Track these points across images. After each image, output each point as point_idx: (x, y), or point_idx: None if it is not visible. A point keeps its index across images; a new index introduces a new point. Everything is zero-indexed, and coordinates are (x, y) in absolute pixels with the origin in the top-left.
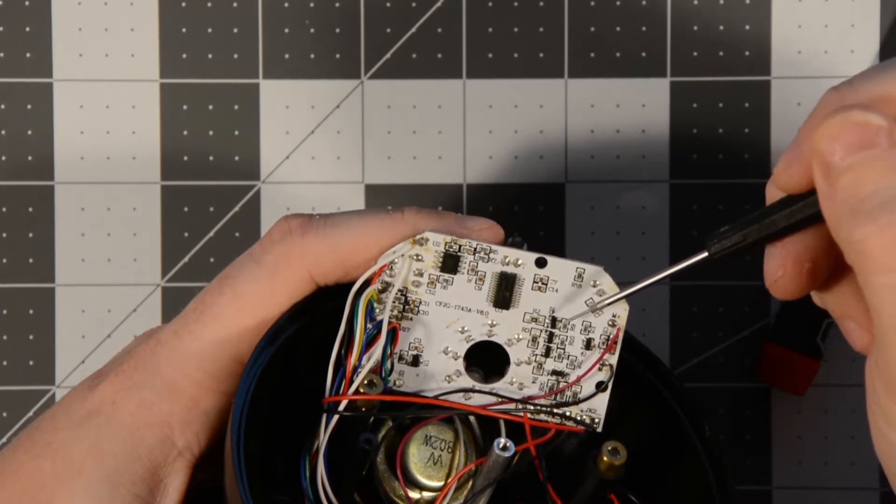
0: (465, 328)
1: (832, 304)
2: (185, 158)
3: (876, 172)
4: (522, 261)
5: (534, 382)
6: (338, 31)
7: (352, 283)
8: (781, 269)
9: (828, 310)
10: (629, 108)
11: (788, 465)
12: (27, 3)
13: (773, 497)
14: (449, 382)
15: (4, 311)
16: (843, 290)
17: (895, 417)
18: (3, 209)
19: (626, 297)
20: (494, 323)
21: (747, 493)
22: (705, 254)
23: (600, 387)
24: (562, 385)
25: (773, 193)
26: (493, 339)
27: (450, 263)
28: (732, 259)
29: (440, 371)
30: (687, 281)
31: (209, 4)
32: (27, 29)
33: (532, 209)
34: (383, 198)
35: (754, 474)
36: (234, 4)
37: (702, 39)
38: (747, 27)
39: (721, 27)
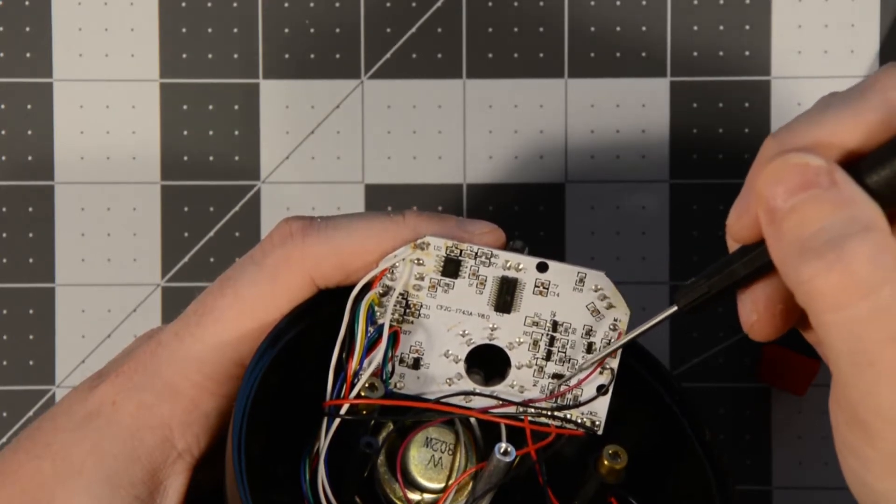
0: (466, 332)
1: (807, 334)
2: (185, 158)
3: (819, 211)
4: (523, 265)
5: (535, 385)
6: (338, 31)
7: (352, 286)
8: (755, 313)
9: (805, 338)
10: (629, 108)
11: (788, 465)
12: (27, 3)
13: (773, 497)
14: (450, 385)
15: (4, 311)
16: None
17: (860, 451)
18: (3, 209)
19: (606, 355)
20: (495, 326)
21: (747, 493)
22: (675, 308)
23: (601, 390)
24: (563, 388)
25: (729, 244)
26: (494, 342)
27: (451, 268)
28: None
29: (441, 374)
30: (687, 281)
31: (209, 4)
32: (27, 29)
33: (532, 209)
34: (383, 198)
35: (754, 474)
36: (234, 4)
37: (702, 39)
38: (747, 27)
39: (721, 27)
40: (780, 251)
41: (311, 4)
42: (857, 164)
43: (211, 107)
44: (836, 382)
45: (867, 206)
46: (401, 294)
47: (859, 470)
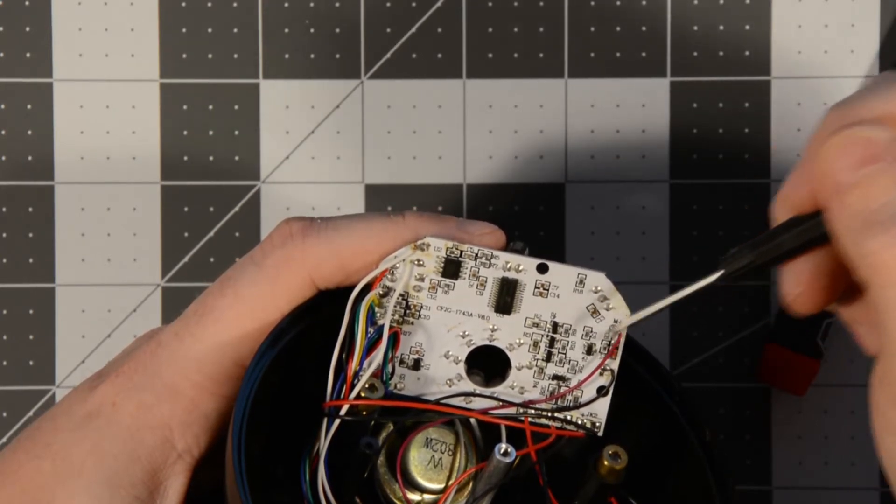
0: (466, 333)
1: (845, 311)
2: (185, 158)
3: (884, 186)
4: (524, 266)
5: (535, 387)
6: (338, 31)
7: (352, 287)
8: (800, 286)
9: (840, 315)
10: (629, 108)
11: (788, 465)
12: (27, 3)
13: (773, 497)
14: (450, 386)
15: (4, 311)
16: (855, 299)
17: None
18: (3, 209)
19: (642, 320)
20: (496, 328)
21: (747, 493)
22: (719, 273)
23: (601, 391)
24: (563, 389)
25: (779, 215)
26: (495, 343)
27: (451, 269)
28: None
29: (441, 375)
30: (687, 281)
31: (209, 4)
32: (27, 29)
33: (532, 209)
34: (383, 198)
35: (754, 474)
36: (234, 4)
37: (702, 39)
38: (747, 27)
39: (721, 27)
40: (843, 224)
41: (311, 4)
42: None
43: (211, 107)
44: (886, 360)
45: None
46: (401, 295)
47: None
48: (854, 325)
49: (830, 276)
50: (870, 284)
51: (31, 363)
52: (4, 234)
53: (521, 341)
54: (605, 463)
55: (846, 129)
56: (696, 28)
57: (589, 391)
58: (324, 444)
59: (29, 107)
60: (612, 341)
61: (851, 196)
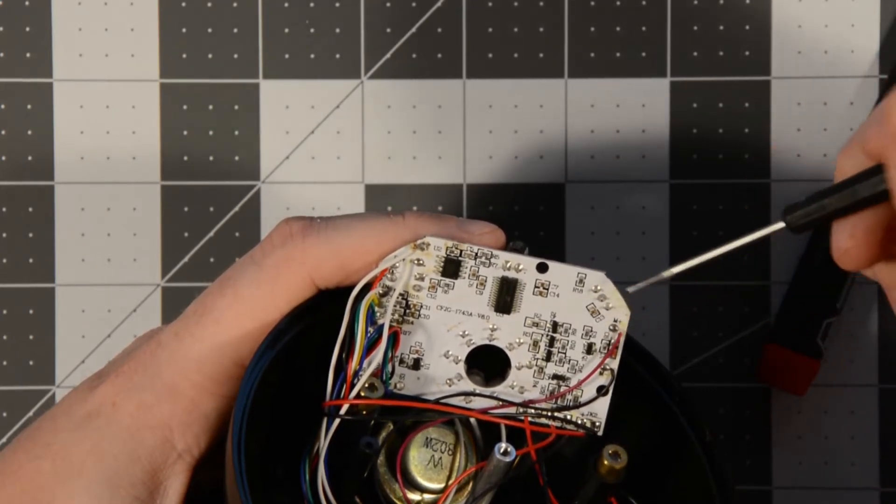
0: (466, 332)
1: (886, 274)
2: (185, 158)
3: None
4: (524, 266)
5: (535, 386)
6: (338, 31)
7: (352, 287)
8: (852, 239)
9: (877, 279)
10: (629, 108)
11: (788, 465)
12: (27, 3)
13: (773, 497)
14: (450, 386)
15: (4, 311)
16: None
17: None
18: (3, 209)
19: (698, 264)
20: (495, 327)
21: (747, 493)
22: (782, 224)
23: (601, 391)
24: (563, 389)
25: (845, 163)
26: (494, 343)
27: (451, 268)
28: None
29: (441, 375)
30: (687, 281)
31: (209, 4)
32: (27, 29)
33: (532, 209)
34: (383, 198)
35: (754, 474)
36: (234, 4)
37: (702, 39)
38: (747, 27)
39: (721, 27)
40: None
41: (311, 4)
42: None
43: (211, 107)
44: None
45: None
46: (401, 294)
47: None
48: (893, 291)
49: (885, 230)
50: None
51: (31, 363)
52: (4, 234)
53: (521, 341)
54: (605, 462)
55: None
56: (696, 28)
57: (589, 391)
58: (324, 443)
59: (29, 107)
60: (612, 340)
61: None
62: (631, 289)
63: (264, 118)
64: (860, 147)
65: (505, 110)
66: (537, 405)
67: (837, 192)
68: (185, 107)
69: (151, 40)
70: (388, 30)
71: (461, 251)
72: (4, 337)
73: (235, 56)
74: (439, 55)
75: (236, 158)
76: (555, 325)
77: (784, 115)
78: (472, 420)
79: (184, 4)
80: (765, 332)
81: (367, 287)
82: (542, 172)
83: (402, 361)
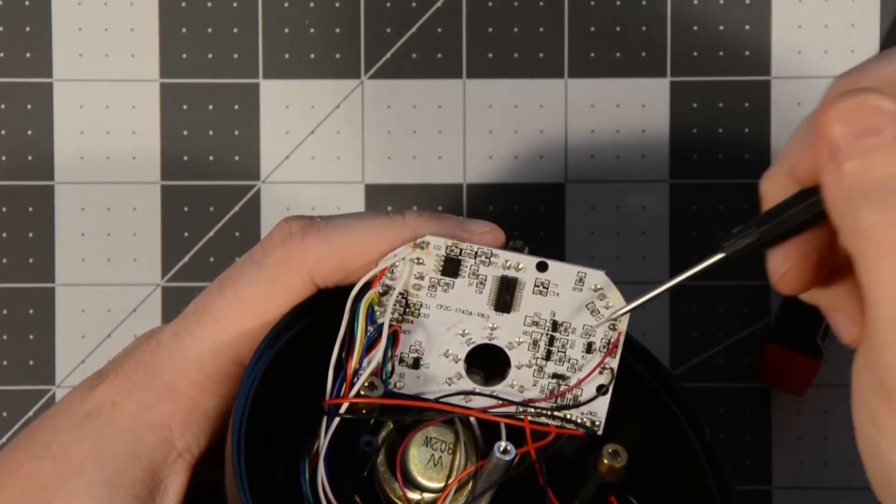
0: (466, 331)
1: (824, 297)
2: (185, 158)
3: (885, 158)
4: (523, 265)
5: (534, 385)
6: (338, 31)
7: (352, 286)
8: (787, 262)
9: (817, 304)
10: (629, 108)
11: (788, 465)
12: (27, 3)
13: (773, 497)
14: (449, 385)
15: (4, 311)
16: (837, 282)
17: (882, 420)
18: (3, 209)
19: (639, 306)
20: (495, 326)
21: (747, 493)
22: (721, 255)
23: (601, 390)
24: (562, 388)
25: (770, 189)
26: (494, 342)
27: (451, 267)
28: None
29: (441, 374)
30: (687, 281)
31: (209, 4)
32: (27, 29)
33: (532, 209)
34: (383, 198)
35: (754, 474)
36: (234, 4)
37: (702, 39)
38: (747, 27)
39: (721, 27)
40: (840, 193)
41: (311, 4)
42: None
43: (211, 107)
44: (870, 344)
45: None
46: (400, 293)
47: (874, 437)
48: (833, 313)
49: (818, 255)
50: (860, 258)
51: (31, 363)
52: (4, 234)
53: (521, 340)
54: (605, 461)
55: (856, 93)
56: (696, 28)
57: (589, 390)
58: (323, 442)
59: (29, 107)
60: (612, 340)
61: (851, 165)
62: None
63: (264, 118)
64: (787, 172)
65: (505, 110)
66: (537, 404)
67: (773, 220)
68: (185, 107)
69: (151, 40)
70: (388, 30)
71: (461, 250)
72: (4, 337)
73: (235, 56)
74: (439, 55)
75: (236, 158)
76: (554, 324)
77: (784, 115)
78: (472, 419)
79: (184, 4)
80: (765, 332)
81: (367, 286)
82: (542, 172)
83: (401, 360)
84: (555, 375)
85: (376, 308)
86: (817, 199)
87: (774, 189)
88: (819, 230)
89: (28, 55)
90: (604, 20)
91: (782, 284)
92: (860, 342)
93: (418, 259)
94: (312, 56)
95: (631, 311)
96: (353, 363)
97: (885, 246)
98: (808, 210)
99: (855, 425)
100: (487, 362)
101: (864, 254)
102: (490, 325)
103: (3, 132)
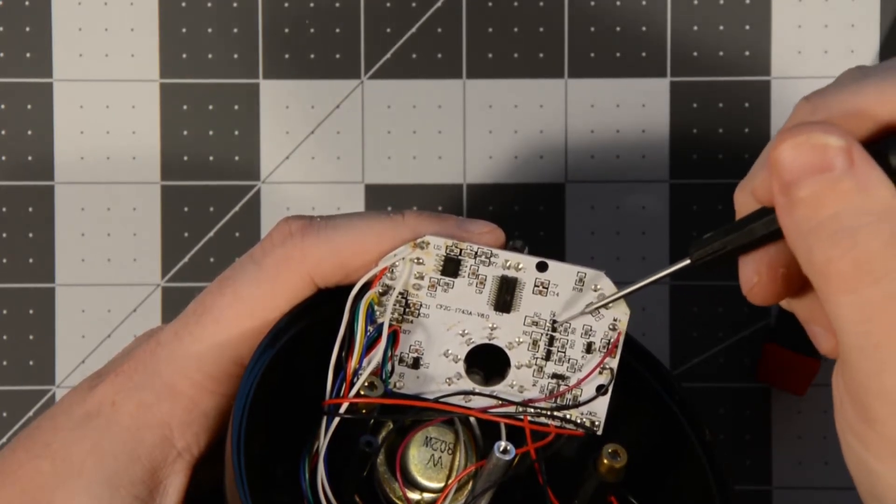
0: (466, 331)
1: (800, 308)
2: (185, 158)
3: (834, 197)
4: (523, 265)
5: (534, 385)
6: (338, 31)
7: (352, 286)
8: (757, 275)
9: (794, 313)
10: (629, 108)
11: (788, 465)
12: (27, 3)
13: (773, 497)
14: (449, 385)
15: (4, 311)
16: (810, 295)
17: (861, 432)
18: (3, 209)
19: (606, 303)
20: (495, 326)
21: (747, 493)
22: (687, 261)
23: (601, 390)
24: (562, 388)
25: (742, 200)
26: (494, 342)
27: (450, 267)
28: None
29: (441, 374)
30: (687, 281)
31: (209, 4)
32: (27, 29)
33: (532, 209)
34: (383, 198)
35: (754, 474)
36: (234, 4)
37: (702, 39)
38: (747, 27)
39: (721, 27)
40: (793, 228)
41: (311, 4)
42: (884, 140)
43: (211, 107)
44: (843, 363)
45: (884, 193)
46: (400, 293)
47: (858, 449)
48: (809, 325)
49: (787, 266)
50: (819, 289)
51: (31, 363)
52: (4, 234)
53: (521, 340)
54: (605, 461)
55: (803, 131)
56: (696, 28)
57: (588, 390)
58: (323, 442)
59: (29, 107)
60: (612, 340)
61: (801, 203)
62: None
63: (264, 118)
64: (746, 190)
65: (505, 110)
66: (537, 404)
67: (737, 231)
68: (185, 107)
69: (151, 40)
70: (388, 30)
71: (461, 250)
72: (4, 337)
73: (235, 56)
74: (439, 55)
75: (236, 158)
76: (554, 324)
77: (784, 115)
78: (472, 419)
79: (184, 4)
80: (765, 332)
81: (367, 286)
82: (542, 172)
83: (401, 360)
84: (554, 375)
85: (376, 308)
86: (774, 218)
87: (744, 200)
88: (785, 244)
89: (28, 55)
90: (604, 20)
91: (752, 295)
92: (837, 354)
93: (418, 259)
94: (312, 56)
95: (600, 306)
96: (353, 363)
97: (840, 282)
98: (767, 226)
99: (840, 438)
100: (487, 362)
101: (821, 287)
102: (490, 325)
103: (3, 132)
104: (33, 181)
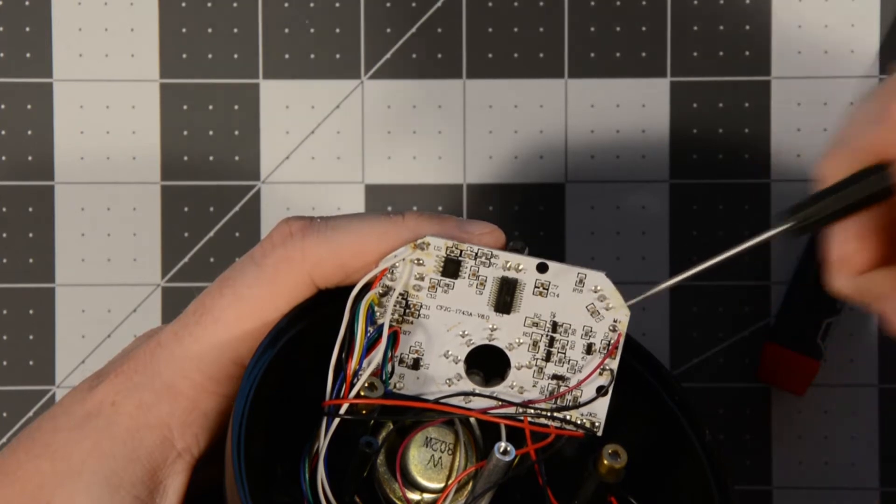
0: (466, 332)
1: (883, 279)
2: (185, 158)
3: None
4: (523, 266)
5: (534, 386)
6: (338, 31)
7: (352, 286)
8: (858, 241)
9: (867, 293)
10: (629, 108)
11: (788, 465)
12: (27, 3)
13: (773, 497)
14: (449, 386)
15: (4, 311)
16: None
17: None
18: (3, 209)
19: (700, 271)
20: (495, 327)
21: (747, 493)
22: (786, 226)
23: (601, 391)
24: (562, 389)
25: (834, 166)
26: (494, 342)
27: (451, 268)
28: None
29: (441, 374)
30: (687, 281)
31: (209, 4)
32: (27, 29)
33: (532, 209)
34: (383, 198)
35: (754, 474)
36: (234, 4)
37: (702, 39)
38: (747, 27)
39: (721, 27)
40: None
41: (311, 4)
42: None
43: (211, 107)
44: None
45: None
46: (401, 294)
47: None
48: (883, 301)
49: (882, 234)
50: None
51: (31, 363)
52: (4, 234)
53: (521, 341)
54: (605, 462)
55: None
56: (696, 28)
57: (588, 391)
58: (323, 443)
59: (29, 107)
60: (612, 341)
61: None
62: (631, 302)
63: (264, 118)
64: (849, 153)
65: (505, 110)
66: (537, 405)
67: (837, 193)
68: (185, 107)
69: (151, 40)
70: (388, 30)
71: (461, 251)
72: (4, 337)
73: (235, 56)
74: (439, 55)
75: (236, 158)
76: (554, 325)
77: (784, 115)
78: (472, 420)
79: (184, 4)
80: (765, 332)
81: (367, 287)
82: (542, 172)
83: (401, 361)
84: (555, 376)
85: (376, 309)
86: (883, 175)
87: (835, 169)
88: (885, 208)
89: (28, 55)
90: (604, 20)
91: (842, 265)
92: None
93: (418, 260)
94: (312, 56)
95: (677, 283)
96: (353, 364)
97: None
98: (876, 184)
99: None
100: (487, 363)
101: None
102: (490, 326)
103: (3, 132)
104: (33, 181)
